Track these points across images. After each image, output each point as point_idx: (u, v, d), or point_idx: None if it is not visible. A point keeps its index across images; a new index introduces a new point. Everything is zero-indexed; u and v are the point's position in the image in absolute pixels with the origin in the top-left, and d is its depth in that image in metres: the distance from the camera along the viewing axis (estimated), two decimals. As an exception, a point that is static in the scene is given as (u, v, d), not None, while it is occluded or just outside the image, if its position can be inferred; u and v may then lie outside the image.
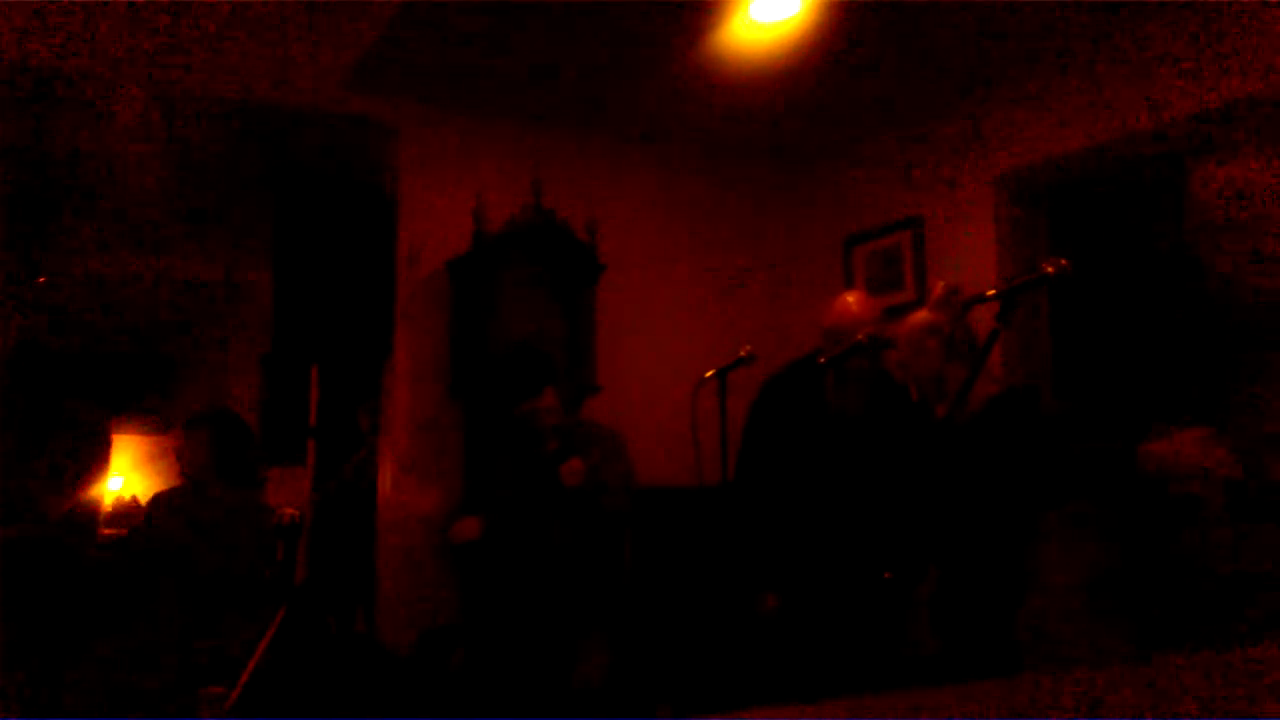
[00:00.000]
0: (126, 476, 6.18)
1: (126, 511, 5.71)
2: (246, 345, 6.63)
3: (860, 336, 2.70)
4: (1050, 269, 1.97)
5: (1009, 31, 3.46)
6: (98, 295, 6.03)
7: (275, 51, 3.70)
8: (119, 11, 3.43)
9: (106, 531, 4.14)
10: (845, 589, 2.57)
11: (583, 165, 4.38)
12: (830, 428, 2.78)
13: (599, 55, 3.65)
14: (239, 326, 6.63)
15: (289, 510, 3.74)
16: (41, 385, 3.08)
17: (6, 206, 4.61)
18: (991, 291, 2.07)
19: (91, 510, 3.16)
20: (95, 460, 3.15)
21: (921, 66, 3.75)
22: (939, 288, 2.53)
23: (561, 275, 3.99)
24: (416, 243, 3.96)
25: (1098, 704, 0.78)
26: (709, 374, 2.72)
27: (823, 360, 2.77)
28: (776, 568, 2.74)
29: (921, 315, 2.58)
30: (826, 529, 2.67)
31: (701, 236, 4.70)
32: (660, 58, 3.66)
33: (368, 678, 3.21)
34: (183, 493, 3.44)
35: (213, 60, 3.61)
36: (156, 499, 3.52)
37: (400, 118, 4.02)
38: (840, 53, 3.62)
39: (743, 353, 2.72)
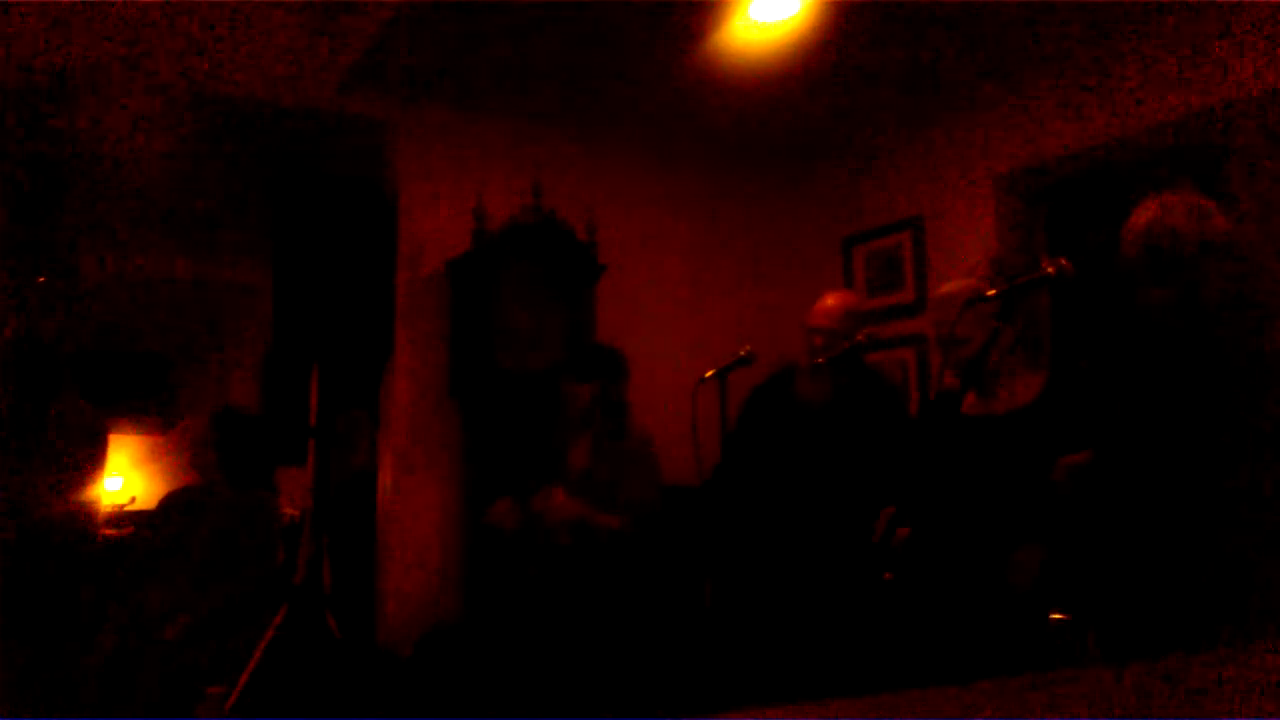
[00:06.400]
0: (126, 476, 6.18)
1: (126, 512, 5.70)
2: (247, 345, 6.64)
3: (861, 336, 2.72)
4: (1051, 269, 1.98)
5: (1009, 31, 3.45)
6: (98, 295, 6.03)
7: (275, 51, 3.70)
8: (120, 12, 3.44)
9: (107, 532, 4.14)
10: (803, 579, 2.58)
11: (583, 165, 4.38)
12: (797, 418, 2.78)
13: (599, 55, 3.65)
14: (239, 326, 6.64)
15: (289, 510, 3.74)
16: (40, 385, 3.09)
17: (7, 206, 4.61)
18: (992, 291, 2.07)
19: (89, 510, 3.16)
20: (90, 461, 3.15)
21: (921, 66, 3.75)
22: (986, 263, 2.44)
23: (561, 275, 3.99)
24: (416, 243, 3.97)
25: (1098, 703, 0.78)
26: (709, 374, 2.73)
27: (821, 360, 2.77)
28: (743, 559, 2.75)
29: (963, 284, 2.49)
30: (787, 517, 2.68)
31: (701, 237, 4.70)
32: (660, 58, 3.66)
33: (368, 678, 3.20)
34: (192, 492, 3.44)
35: (213, 60, 3.61)
36: (167, 498, 3.53)
37: (400, 118, 4.02)
38: (840, 53, 3.62)
39: (742, 353, 2.72)
